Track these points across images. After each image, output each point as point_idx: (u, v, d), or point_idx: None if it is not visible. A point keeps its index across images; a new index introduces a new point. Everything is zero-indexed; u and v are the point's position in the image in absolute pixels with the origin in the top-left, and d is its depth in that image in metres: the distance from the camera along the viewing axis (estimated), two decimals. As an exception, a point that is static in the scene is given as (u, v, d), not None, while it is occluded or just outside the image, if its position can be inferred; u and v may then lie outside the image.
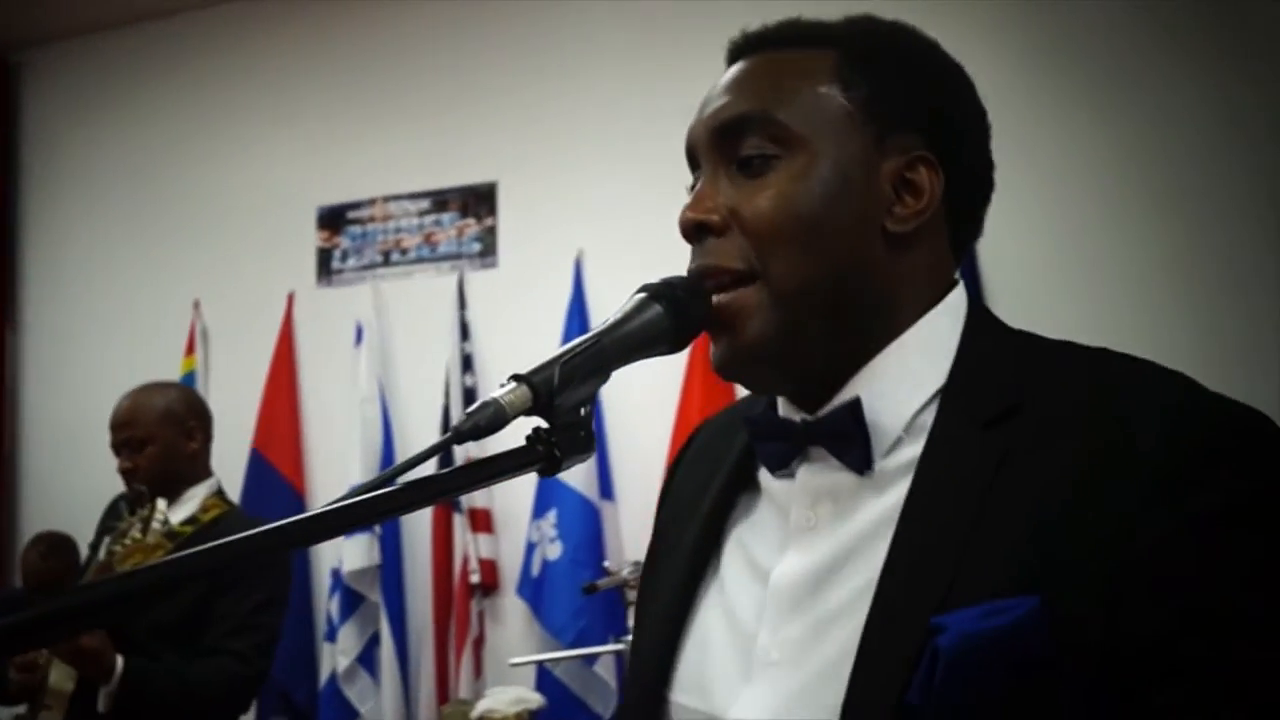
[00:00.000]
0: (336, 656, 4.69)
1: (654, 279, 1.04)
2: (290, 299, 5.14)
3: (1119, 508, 0.89)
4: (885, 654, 0.93)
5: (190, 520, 3.03)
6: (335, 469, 4.82)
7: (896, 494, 1.00)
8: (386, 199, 5.04)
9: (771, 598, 1.04)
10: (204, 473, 3.15)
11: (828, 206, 1.01)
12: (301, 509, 4.80)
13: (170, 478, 3.05)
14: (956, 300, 1.07)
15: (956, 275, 1.10)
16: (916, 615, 0.92)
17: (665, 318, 1.01)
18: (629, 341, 0.99)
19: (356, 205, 5.10)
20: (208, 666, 2.91)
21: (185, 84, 5.53)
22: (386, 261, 5.02)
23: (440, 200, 4.93)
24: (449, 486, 0.92)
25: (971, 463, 0.96)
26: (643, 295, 1.02)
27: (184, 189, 5.51)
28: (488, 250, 4.80)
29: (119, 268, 5.61)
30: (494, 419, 0.90)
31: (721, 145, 1.06)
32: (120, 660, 2.81)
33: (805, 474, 1.06)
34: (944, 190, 1.05)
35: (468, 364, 4.61)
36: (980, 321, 1.06)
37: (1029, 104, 3.87)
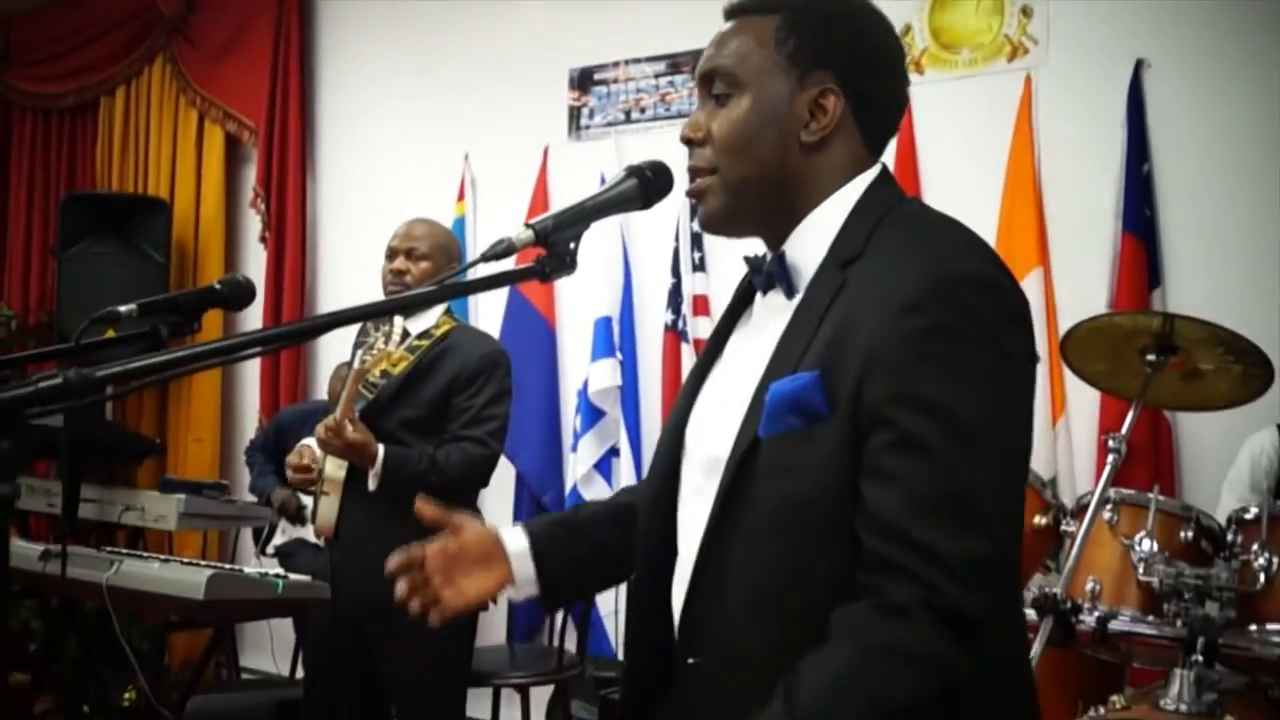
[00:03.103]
0: (577, 465, 5.31)
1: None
2: (545, 152, 5.68)
3: (876, 322, 1.38)
4: (755, 408, 1.47)
5: (425, 334, 3.52)
6: (581, 302, 5.40)
7: None
8: (628, 62, 5.54)
9: (735, 369, 1.60)
10: None
11: (760, 128, 1.53)
12: (552, 338, 5.53)
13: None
14: (859, 182, 1.55)
15: (876, 162, 1.58)
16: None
17: (637, 188, 1.58)
18: (606, 203, 1.57)
19: (602, 68, 5.61)
20: (453, 450, 3.40)
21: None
22: (627, 119, 5.54)
23: (674, 63, 5.42)
24: (478, 287, 1.53)
25: (826, 290, 1.47)
26: (624, 173, 1.59)
27: (456, 54, 6.05)
28: (714, 109, 5.30)
29: (400, 124, 6.21)
30: (507, 249, 1.49)
31: (705, 85, 1.59)
32: (381, 448, 3.34)
33: (770, 296, 1.58)
34: (851, 110, 1.54)
35: (695, 209, 5.12)
36: (869, 195, 1.54)
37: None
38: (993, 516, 1.33)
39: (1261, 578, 2.88)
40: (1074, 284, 4.40)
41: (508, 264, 1.55)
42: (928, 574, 1.28)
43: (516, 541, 1.70)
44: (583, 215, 1.54)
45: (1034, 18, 4.59)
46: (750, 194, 1.55)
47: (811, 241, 1.53)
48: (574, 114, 5.71)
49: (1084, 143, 4.44)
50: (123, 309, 1.94)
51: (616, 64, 5.59)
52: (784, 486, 1.41)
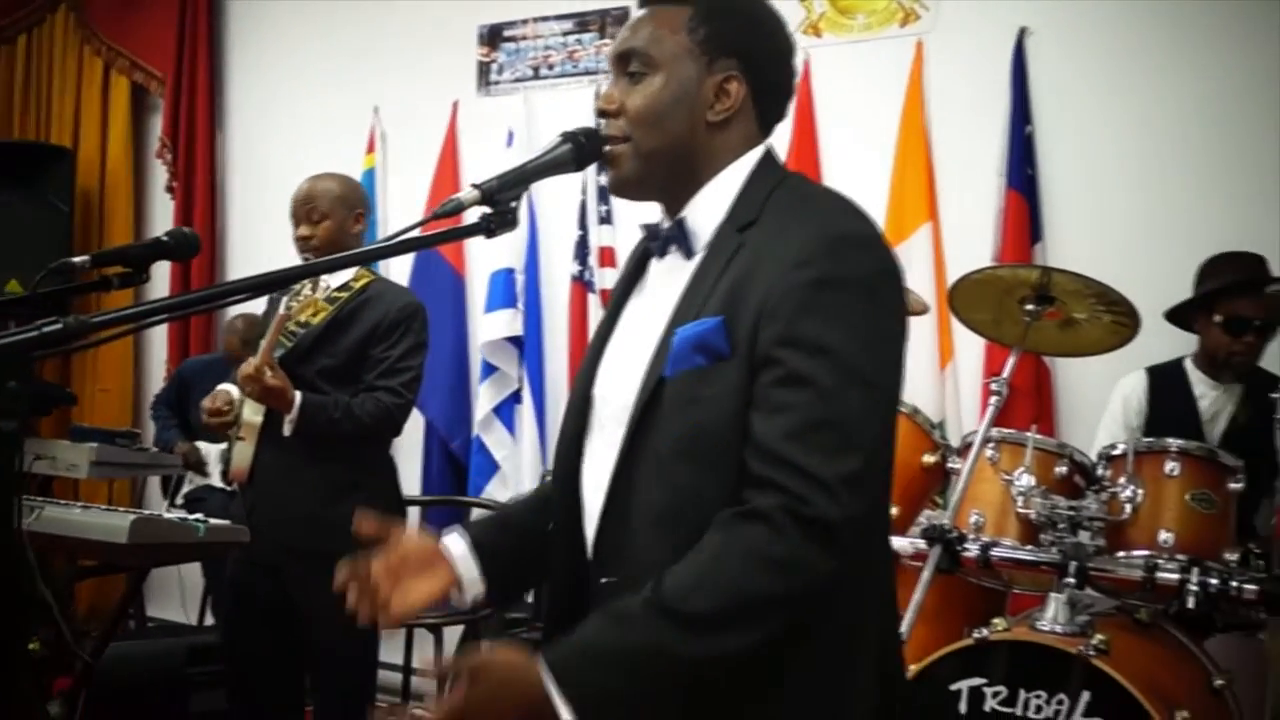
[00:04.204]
0: (477, 412, 5.47)
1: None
2: (455, 106, 5.78)
3: (770, 276, 1.57)
4: (660, 353, 1.65)
5: (344, 287, 3.57)
6: (487, 253, 5.51)
7: None
8: (536, 20, 5.67)
9: (636, 327, 1.77)
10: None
11: (670, 105, 1.71)
12: (461, 287, 5.63)
13: (336, 249, 3.43)
14: (751, 157, 1.74)
15: (764, 142, 1.77)
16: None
17: (570, 152, 1.74)
18: (544, 166, 1.72)
19: (511, 25, 5.73)
20: (368, 399, 3.45)
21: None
22: (536, 75, 5.68)
23: (581, 22, 5.57)
24: (426, 243, 1.68)
25: (724, 252, 1.66)
26: (560, 138, 1.75)
27: (366, 8, 6.12)
28: (621, 67, 5.45)
29: (310, 78, 6.28)
30: (455, 207, 1.64)
31: (620, 63, 1.76)
32: (298, 395, 3.38)
33: (668, 258, 1.77)
34: (750, 95, 1.74)
35: (601, 165, 5.25)
36: (761, 169, 1.74)
37: None
38: (865, 439, 1.52)
39: (1128, 508, 3.17)
40: (961, 237, 4.63)
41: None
42: (801, 489, 1.47)
43: (457, 545, 1.82)
44: (524, 177, 1.70)
45: (925, -14, 4.81)
46: (658, 163, 1.72)
47: (709, 208, 1.72)
48: (483, 69, 5.82)
49: (971, 105, 4.67)
50: (77, 260, 2.03)
51: (525, 21, 5.72)
52: (687, 416, 1.59)
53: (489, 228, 1.67)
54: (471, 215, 1.66)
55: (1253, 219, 4.12)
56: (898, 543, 3.34)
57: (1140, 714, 2.76)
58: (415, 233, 1.68)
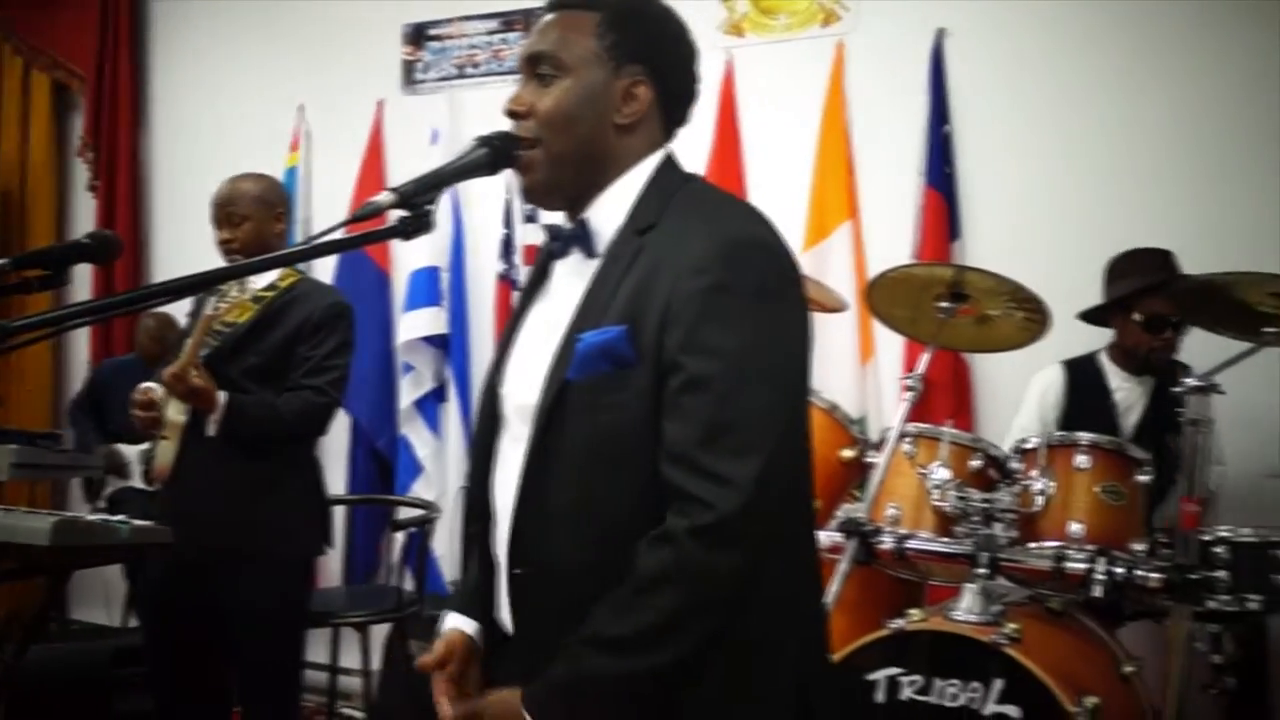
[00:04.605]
0: (399, 406, 5.51)
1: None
2: (380, 105, 5.79)
3: (670, 282, 1.62)
4: (564, 356, 1.69)
5: (270, 286, 3.57)
6: (413, 250, 5.45)
7: None
8: (462, 19, 5.68)
9: (541, 327, 1.82)
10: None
11: (579, 108, 1.75)
12: (386, 285, 5.61)
13: (259, 250, 3.43)
14: (652, 160, 1.80)
15: (666, 146, 1.83)
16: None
17: (486, 156, 1.77)
18: (460, 170, 1.75)
19: (436, 23, 5.74)
20: (293, 399, 3.45)
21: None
22: (461, 74, 5.69)
23: (507, 21, 5.60)
24: (344, 245, 1.71)
25: (625, 255, 1.71)
26: (476, 142, 1.78)
27: (291, 7, 6.11)
28: (546, 67, 5.47)
29: (234, 75, 6.26)
30: (372, 211, 1.65)
31: (529, 66, 1.80)
32: (223, 395, 3.37)
33: (570, 259, 1.81)
34: (656, 100, 1.79)
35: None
36: (662, 173, 1.79)
37: None
38: (767, 438, 1.59)
39: (1039, 500, 3.25)
40: (881, 235, 4.71)
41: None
42: (707, 494, 1.55)
43: (470, 625, 1.89)
44: (440, 180, 1.72)
45: (845, -13, 4.89)
46: (568, 166, 1.77)
47: (611, 209, 1.77)
48: (408, 68, 5.83)
49: (890, 104, 4.75)
50: (-2, 261, 2.02)
51: (450, 20, 5.73)
52: (596, 420, 1.65)
53: (406, 230, 1.70)
54: (393, 217, 1.68)
55: (1163, 216, 4.25)
56: (816, 536, 3.40)
57: (1051, 700, 2.84)
58: (336, 235, 1.70)
